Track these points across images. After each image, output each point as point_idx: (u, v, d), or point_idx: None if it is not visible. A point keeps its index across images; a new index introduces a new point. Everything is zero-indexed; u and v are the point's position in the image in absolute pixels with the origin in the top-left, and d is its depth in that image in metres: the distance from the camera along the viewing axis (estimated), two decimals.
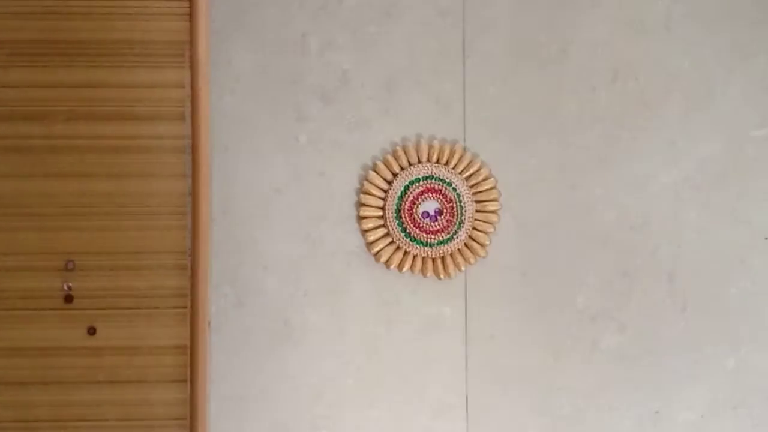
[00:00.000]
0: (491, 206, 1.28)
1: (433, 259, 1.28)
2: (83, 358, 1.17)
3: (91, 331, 1.17)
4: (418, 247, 1.27)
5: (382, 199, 1.27)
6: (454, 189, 1.30)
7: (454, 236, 1.27)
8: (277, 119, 1.27)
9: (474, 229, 1.28)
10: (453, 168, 1.30)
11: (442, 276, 1.27)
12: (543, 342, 1.27)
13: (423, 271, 1.27)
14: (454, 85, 1.30)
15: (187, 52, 1.18)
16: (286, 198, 1.26)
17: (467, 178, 1.30)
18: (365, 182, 1.27)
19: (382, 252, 1.26)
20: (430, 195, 1.29)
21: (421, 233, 1.27)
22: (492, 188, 1.30)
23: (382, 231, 1.26)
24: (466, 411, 1.26)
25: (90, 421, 1.17)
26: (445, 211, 1.28)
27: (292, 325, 1.26)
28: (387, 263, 1.26)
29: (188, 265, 1.16)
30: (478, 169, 1.31)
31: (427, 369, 1.27)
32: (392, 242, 1.27)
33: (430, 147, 1.28)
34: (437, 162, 1.27)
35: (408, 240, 1.27)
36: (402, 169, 1.27)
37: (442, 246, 1.27)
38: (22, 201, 1.17)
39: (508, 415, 1.26)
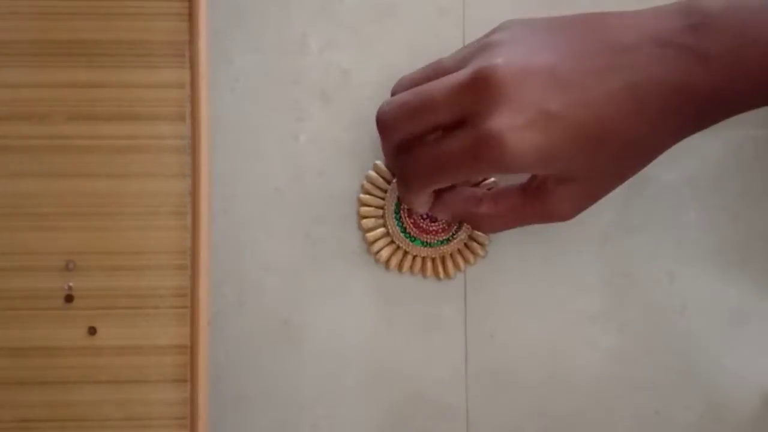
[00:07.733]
0: None
1: (433, 259, 1.28)
2: (83, 358, 1.16)
3: (92, 331, 1.17)
4: (418, 247, 1.27)
5: (382, 199, 1.27)
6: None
7: (454, 236, 1.27)
8: (277, 119, 1.27)
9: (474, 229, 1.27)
10: None
11: (441, 276, 1.27)
12: (542, 342, 1.27)
13: (423, 271, 1.27)
14: None
15: (187, 52, 1.18)
16: (286, 198, 1.27)
17: None
18: (365, 182, 1.27)
19: (382, 252, 1.26)
20: None
21: (421, 233, 1.27)
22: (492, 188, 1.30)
23: (382, 231, 1.26)
24: (466, 411, 1.26)
25: (90, 421, 1.16)
26: None
27: (292, 325, 1.26)
28: (387, 263, 1.27)
29: (188, 265, 1.16)
30: None
31: (427, 369, 1.27)
32: (392, 242, 1.27)
33: None
34: None
35: (408, 240, 1.27)
36: None
37: (442, 246, 1.27)
38: (22, 201, 1.17)
39: (508, 415, 1.26)
